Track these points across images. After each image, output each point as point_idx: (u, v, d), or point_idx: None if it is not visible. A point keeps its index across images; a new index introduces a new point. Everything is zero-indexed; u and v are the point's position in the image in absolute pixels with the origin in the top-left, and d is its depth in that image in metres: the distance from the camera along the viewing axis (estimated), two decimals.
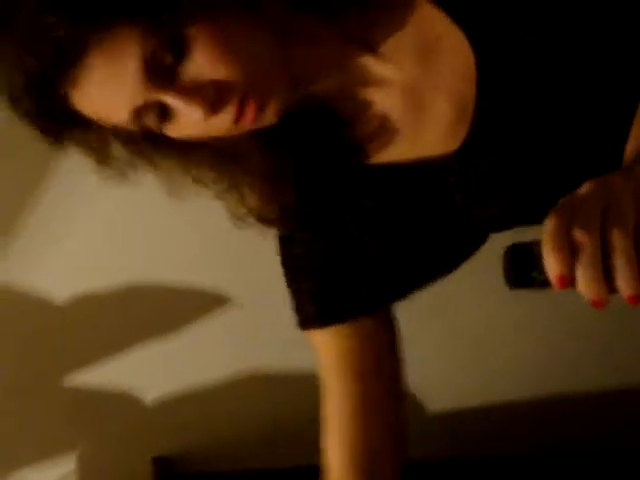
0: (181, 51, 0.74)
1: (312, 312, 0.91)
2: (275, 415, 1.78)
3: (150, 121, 0.77)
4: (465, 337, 1.79)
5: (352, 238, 0.89)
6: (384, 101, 0.87)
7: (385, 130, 0.87)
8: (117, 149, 0.83)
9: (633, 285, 0.59)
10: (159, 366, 1.72)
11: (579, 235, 0.60)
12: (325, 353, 0.92)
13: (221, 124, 0.77)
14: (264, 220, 0.89)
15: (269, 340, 1.72)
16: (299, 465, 1.71)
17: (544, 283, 0.63)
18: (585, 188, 0.63)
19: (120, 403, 1.73)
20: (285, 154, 0.86)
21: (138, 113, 0.76)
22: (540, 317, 1.78)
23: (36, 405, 1.71)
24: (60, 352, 1.68)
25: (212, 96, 0.75)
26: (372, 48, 0.85)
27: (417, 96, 0.86)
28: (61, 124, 0.79)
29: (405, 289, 0.92)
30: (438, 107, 0.87)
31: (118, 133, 0.80)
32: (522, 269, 0.65)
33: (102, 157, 0.83)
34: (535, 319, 1.79)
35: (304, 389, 1.79)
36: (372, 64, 0.86)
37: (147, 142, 0.81)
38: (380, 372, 0.92)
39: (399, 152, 0.88)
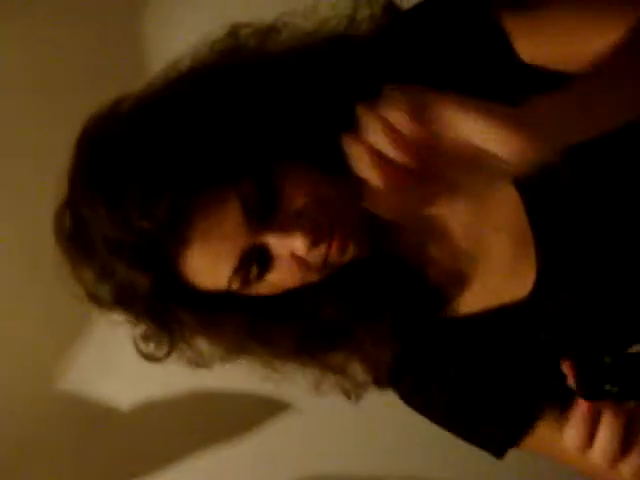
0: (274, 194, 0.80)
1: (499, 435, 0.92)
2: None
3: (252, 273, 0.81)
4: None
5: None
6: (448, 250, 0.89)
7: (454, 280, 0.90)
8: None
9: None
10: (221, 474, 1.73)
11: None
12: (547, 448, 0.92)
13: (317, 259, 0.82)
14: (379, 384, 0.92)
15: (330, 445, 1.72)
16: None
17: (618, 396, 0.64)
18: None
19: None
20: (378, 313, 0.89)
21: (241, 264, 0.80)
22: None
23: None
24: (124, 459, 1.70)
25: (309, 228, 0.80)
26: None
27: (479, 240, 0.89)
28: (172, 300, 0.82)
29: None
30: (500, 249, 0.88)
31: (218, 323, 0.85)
32: (595, 381, 0.65)
33: (190, 346, 0.88)
34: None
35: None
36: (430, 215, 0.88)
37: (244, 326, 0.86)
38: None
39: (476, 301, 0.90)
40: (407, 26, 0.89)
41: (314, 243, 0.80)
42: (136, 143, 0.79)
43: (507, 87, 0.86)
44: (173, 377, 1.65)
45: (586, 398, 0.66)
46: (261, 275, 0.82)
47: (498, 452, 0.93)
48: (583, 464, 0.89)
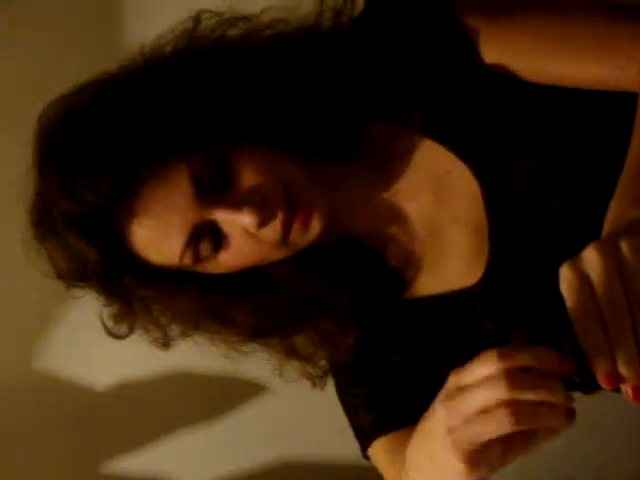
0: (227, 172, 0.80)
1: (369, 422, 0.92)
2: None
3: (204, 249, 0.81)
4: None
5: (396, 361, 0.93)
6: (406, 236, 0.91)
7: (409, 264, 0.91)
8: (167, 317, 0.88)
9: None
10: (196, 454, 1.73)
11: (613, 328, 0.59)
12: (387, 467, 0.92)
13: (271, 236, 0.81)
14: (337, 365, 0.93)
15: (305, 429, 1.72)
16: None
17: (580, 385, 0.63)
18: (595, 264, 0.61)
19: None
20: (343, 295, 0.89)
21: (192, 239, 0.80)
22: None
23: None
24: (98, 438, 1.70)
25: (260, 204, 0.80)
26: (389, 187, 0.90)
27: (436, 229, 0.90)
28: (123, 272, 0.82)
29: None
30: (457, 237, 0.90)
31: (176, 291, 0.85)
32: None
33: (151, 320, 0.88)
34: None
35: (339, 477, 1.79)
36: (392, 203, 0.90)
37: (201, 306, 0.85)
38: None
39: (428, 286, 0.91)
40: (373, 18, 0.90)
41: (264, 220, 0.80)
42: (85, 117, 0.80)
43: (468, 84, 0.87)
44: (149, 358, 1.66)
45: None
46: (213, 252, 0.82)
47: (363, 440, 0.94)
48: None
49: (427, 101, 0.89)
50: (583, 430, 1.78)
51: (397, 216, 0.90)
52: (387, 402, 0.91)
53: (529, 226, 0.87)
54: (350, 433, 1.68)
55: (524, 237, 0.87)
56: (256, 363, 1.64)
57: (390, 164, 0.90)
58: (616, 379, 0.58)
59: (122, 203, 0.78)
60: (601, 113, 0.87)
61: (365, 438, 0.93)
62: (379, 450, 0.92)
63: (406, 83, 0.89)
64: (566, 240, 0.86)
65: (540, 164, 0.85)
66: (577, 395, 0.63)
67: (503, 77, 0.87)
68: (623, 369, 0.58)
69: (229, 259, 0.83)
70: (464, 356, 0.91)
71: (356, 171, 0.90)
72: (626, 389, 0.59)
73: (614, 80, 0.83)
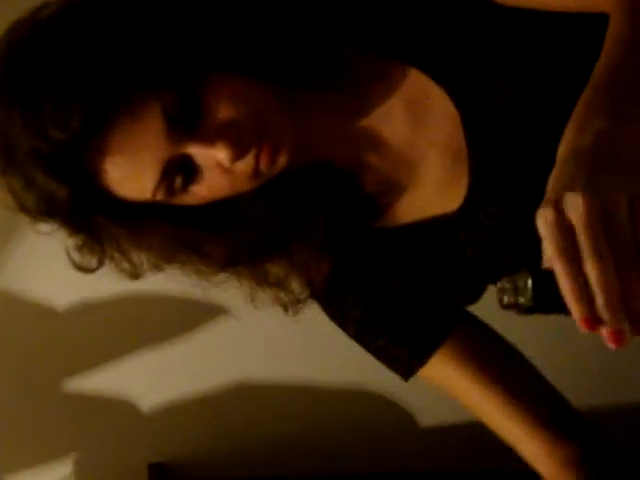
0: (199, 105, 0.78)
1: (405, 355, 0.92)
2: (270, 424, 1.80)
3: (177, 184, 0.79)
4: None
5: (389, 287, 0.92)
6: (382, 161, 0.90)
7: (386, 189, 0.90)
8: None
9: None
10: (157, 374, 1.74)
11: (592, 275, 0.57)
12: (446, 380, 0.93)
13: (244, 169, 0.80)
14: (314, 296, 0.91)
15: (265, 350, 1.74)
16: (294, 474, 1.73)
17: (528, 310, 0.62)
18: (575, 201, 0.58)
19: (117, 409, 1.75)
20: (316, 227, 0.89)
21: (165, 175, 0.78)
22: (535, 336, 1.79)
23: (34, 410, 1.73)
24: (59, 358, 1.71)
25: (234, 138, 0.78)
26: (365, 113, 0.88)
27: (414, 154, 0.89)
28: (93, 210, 0.80)
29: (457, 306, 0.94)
30: (435, 162, 0.89)
31: (148, 227, 0.83)
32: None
33: (124, 256, 0.86)
34: (530, 338, 1.80)
35: (299, 399, 1.82)
36: (367, 128, 0.88)
37: (177, 236, 0.84)
38: (499, 358, 0.94)
39: (407, 212, 0.91)
40: None
41: (238, 154, 0.79)
42: (50, 49, 0.76)
43: (444, 8, 0.86)
44: (110, 278, 1.65)
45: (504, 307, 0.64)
46: (186, 186, 0.80)
47: (405, 373, 0.94)
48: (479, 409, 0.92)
49: (402, 26, 0.87)
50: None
51: (372, 141, 0.89)
52: (409, 331, 0.92)
53: (509, 150, 0.86)
54: (305, 353, 1.71)
55: (505, 162, 0.87)
56: (220, 286, 1.67)
57: (364, 90, 0.89)
58: (595, 323, 0.57)
59: (93, 141, 0.75)
60: (580, 37, 0.86)
61: (408, 368, 0.93)
62: (437, 368, 0.92)
63: (380, 8, 0.88)
64: (548, 164, 0.85)
65: (519, 88, 0.84)
66: None
67: (480, 1, 0.85)
68: (603, 313, 0.57)
69: (202, 192, 0.82)
70: (445, 284, 0.91)
71: (329, 98, 0.89)
72: (604, 333, 0.58)
73: (589, 2, 0.82)
